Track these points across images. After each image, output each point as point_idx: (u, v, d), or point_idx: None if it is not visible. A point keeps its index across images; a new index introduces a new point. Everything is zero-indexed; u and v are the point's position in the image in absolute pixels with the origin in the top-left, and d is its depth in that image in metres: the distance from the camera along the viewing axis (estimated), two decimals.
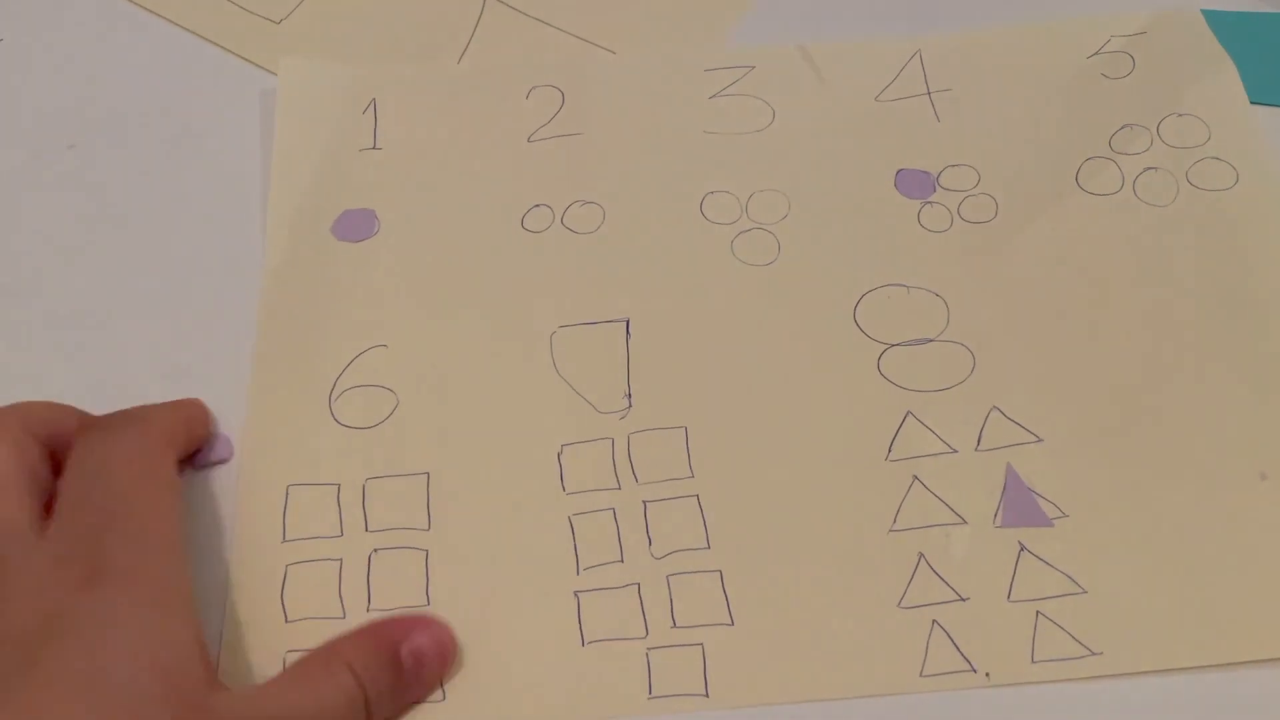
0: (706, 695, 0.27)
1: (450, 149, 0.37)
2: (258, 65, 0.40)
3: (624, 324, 0.33)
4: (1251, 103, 0.37)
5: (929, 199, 0.36)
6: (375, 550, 0.29)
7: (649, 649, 0.28)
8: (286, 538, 0.29)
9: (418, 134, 0.37)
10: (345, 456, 0.30)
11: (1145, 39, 0.39)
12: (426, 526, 0.29)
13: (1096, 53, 0.39)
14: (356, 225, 0.35)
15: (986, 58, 0.39)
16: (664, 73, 0.39)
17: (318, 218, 0.35)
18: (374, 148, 0.37)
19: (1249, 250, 0.34)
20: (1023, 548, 0.29)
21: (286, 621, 0.27)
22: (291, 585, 0.28)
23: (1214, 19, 0.39)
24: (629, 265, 0.34)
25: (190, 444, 0.30)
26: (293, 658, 0.27)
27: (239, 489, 0.29)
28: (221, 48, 0.40)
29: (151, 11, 0.41)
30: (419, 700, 0.27)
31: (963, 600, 0.28)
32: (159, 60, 0.40)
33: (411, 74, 0.39)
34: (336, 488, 0.30)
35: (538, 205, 0.35)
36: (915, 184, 0.36)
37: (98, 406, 0.29)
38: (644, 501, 0.30)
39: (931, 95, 0.38)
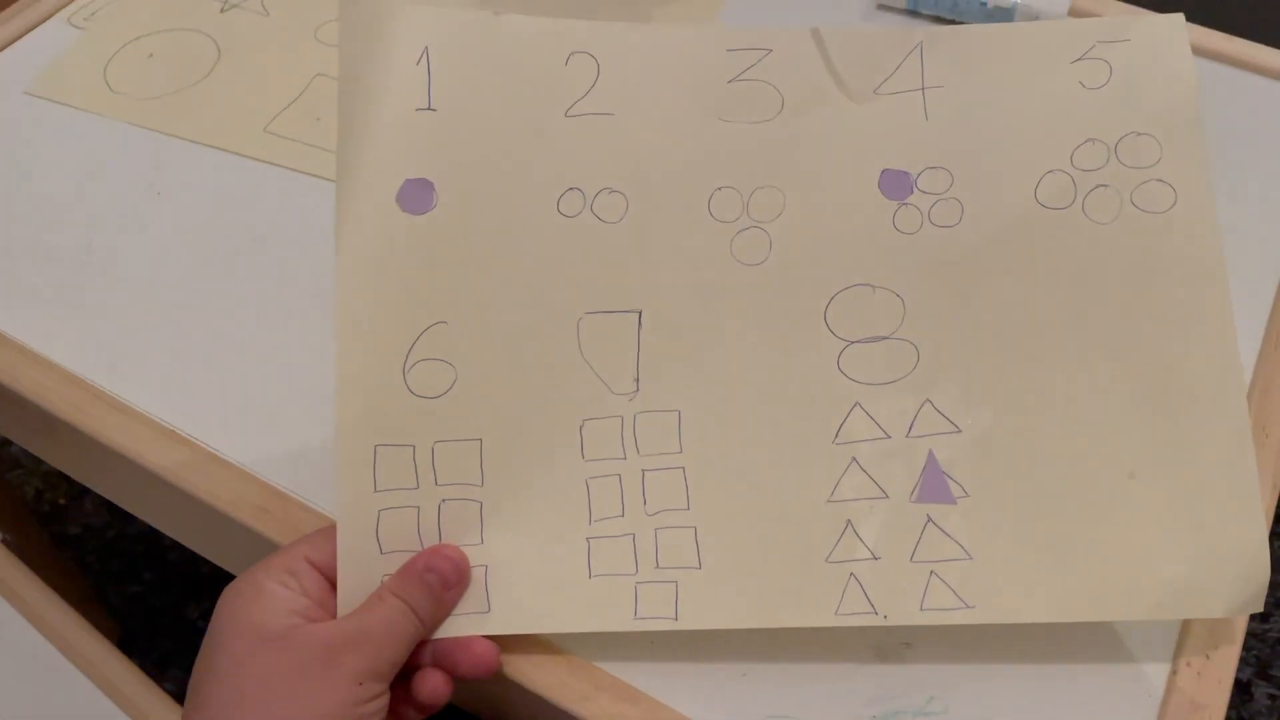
0: (675, 619, 0.38)
1: (496, 116, 0.41)
2: None
3: (637, 315, 0.41)
4: None
5: (905, 200, 0.42)
6: (444, 501, 0.39)
7: (637, 583, 0.38)
8: (377, 488, 0.39)
9: (466, 95, 0.41)
10: (417, 422, 0.39)
11: (1126, 47, 0.42)
12: (480, 483, 0.39)
13: (1080, 58, 0.42)
14: (418, 197, 0.40)
15: (981, 55, 0.43)
16: (692, 51, 0.43)
17: (383, 186, 0.39)
18: (429, 108, 0.41)
19: (1165, 273, 0.39)
20: (929, 520, 0.38)
21: (381, 553, 0.38)
22: (383, 525, 0.38)
23: None
24: (645, 260, 0.41)
25: None
26: (387, 578, 0.38)
27: (337, 449, 0.38)
28: None
29: None
30: (453, 602, 0.38)
31: (875, 559, 0.38)
32: None
33: (458, 23, 0.41)
34: (412, 449, 0.39)
35: (571, 189, 0.41)
36: (896, 185, 0.42)
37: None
38: (642, 470, 0.39)
39: (925, 91, 0.43)
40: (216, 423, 0.44)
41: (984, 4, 0.60)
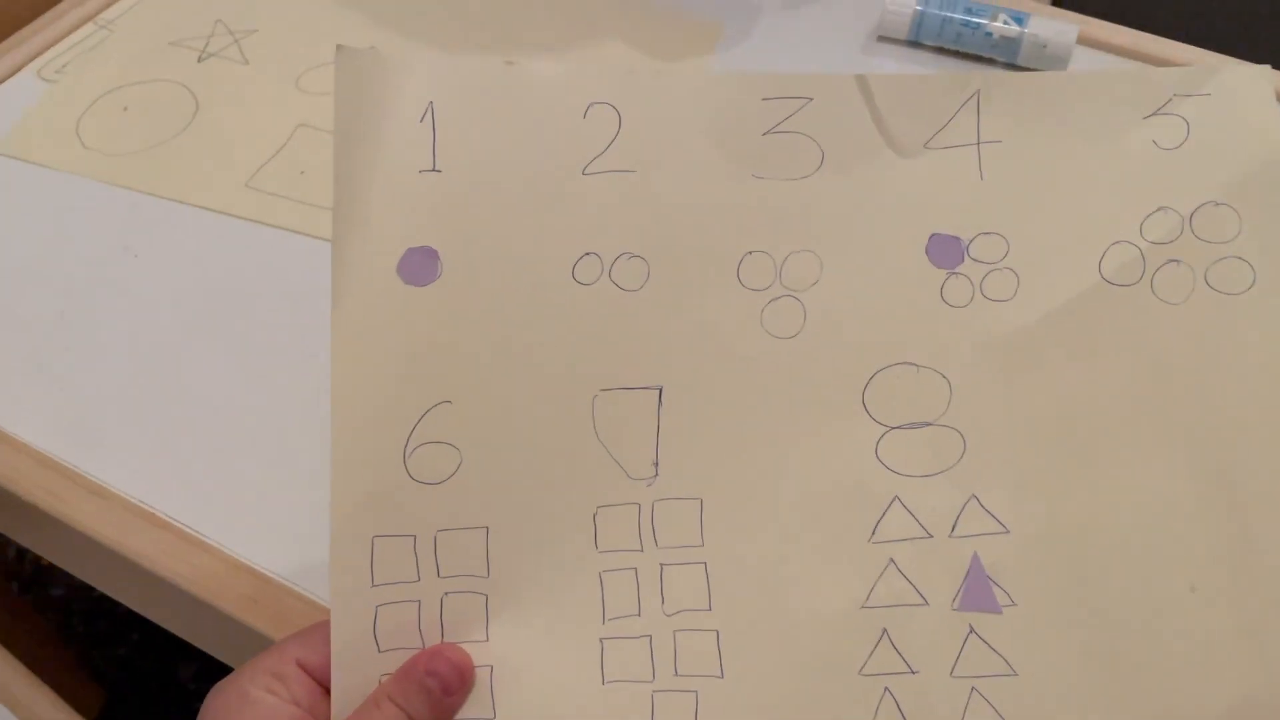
0: None
1: (507, 176, 0.38)
2: None
3: (657, 392, 0.38)
4: None
5: (956, 269, 0.38)
6: (446, 594, 0.36)
7: (654, 691, 0.35)
8: (375, 582, 0.36)
9: (474, 154, 0.38)
10: (419, 510, 0.36)
11: (1206, 102, 0.38)
12: (486, 574, 0.36)
13: (1155, 113, 0.38)
14: (421, 267, 0.37)
15: (1045, 106, 0.39)
16: (723, 100, 0.39)
17: (383, 256, 0.36)
18: (434, 169, 0.37)
19: (1239, 362, 0.36)
20: (972, 630, 0.35)
21: (379, 652, 0.36)
22: (381, 622, 0.36)
23: None
24: (667, 331, 0.38)
25: None
26: (385, 680, 0.35)
27: (332, 541, 0.36)
28: None
29: None
30: (454, 709, 0.35)
31: (913, 673, 0.35)
32: None
33: (466, 75, 0.38)
34: (413, 539, 0.36)
35: (588, 254, 0.38)
36: (946, 251, 0.38)
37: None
38: (660, 564, 0.36)
39: (980, 146, 0.39)
40: (201, 504, 0.42)
41: (989, 34, 0.56)
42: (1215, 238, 0.37)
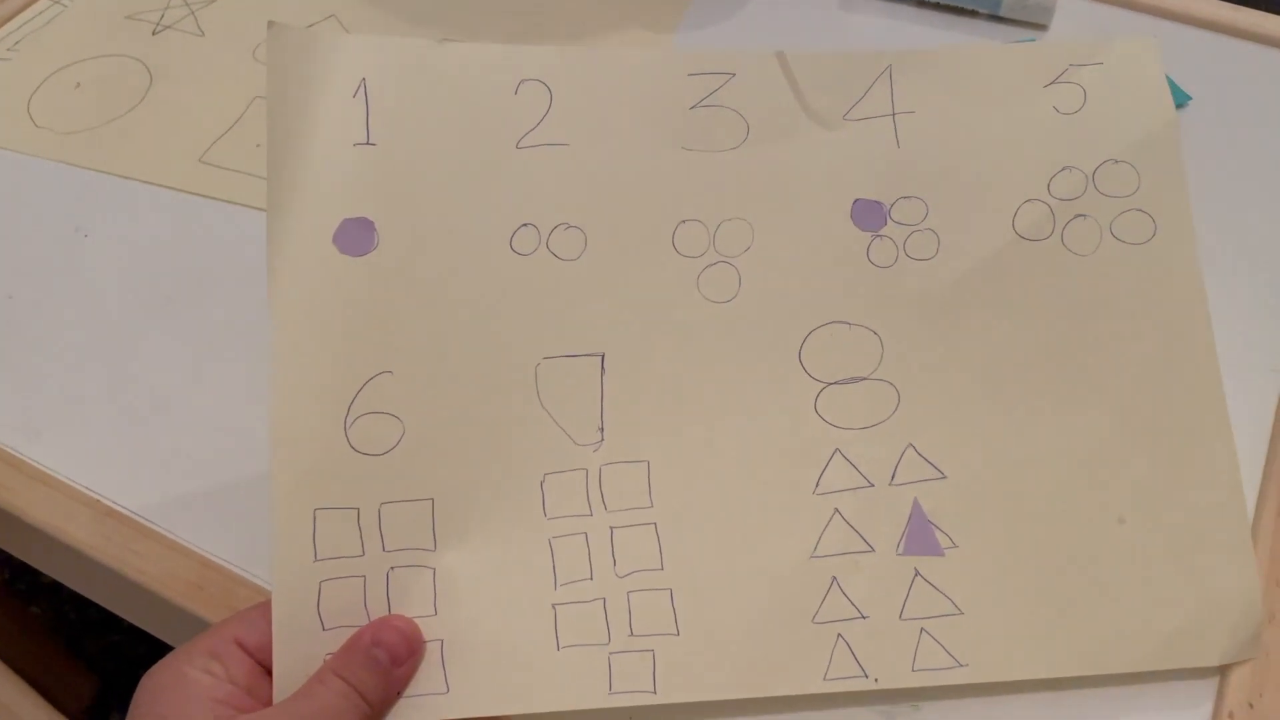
0: (654, 692, 0.35)
1: (441, 149, 0.38)
2: None
3: (599, 359, 0.38)
4: None
5: (879, 231, 0.40)
6: (392, 568, 0.35)
7: (611, 653, 0.35)
8: (318, 557, 0.35)
9: (409, 128, 0.38)
10: (362, 482, 0.36)
11: (1101, 71, 0.41)
12: (432, 547, 0.36)
13: (1053, 81, 0.41)
14: (357, 238, 0.37)
15: (952, 78, 0.41)
16: (650, 76, 0.40)
17: (318, 227, 0.36)
18: (367, 143, 0.38)
19: (1147, 307, 0.38)
20: (917, 574, 0.36)
21: (323, 629, 0.34)
22: (325, 598, 0.35)
23: None
24: (606, 299, 0.38)
25: None
26: (329, 658, 0.34)
27: (273, 515, 0.35)
28: None
29: None
30: (404, 680, 0.34)
31: (864, 618, 0.36)
32: None
33: (398, 52, 0.38)
34: (356, 512, 0.35)
35: (525, 225, 0.38)
36: (869, 215, 0.40)
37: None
38: (611, 527, 0.36)
39: (895, 117, 0.41)
40: (149, 490, 0.40)
41: None
42: (1117, 192, 0.39)
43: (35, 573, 0.42)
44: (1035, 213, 0.39)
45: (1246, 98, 0.55)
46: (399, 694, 0.34)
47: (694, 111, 0.40)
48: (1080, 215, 0.39)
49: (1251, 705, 0.36)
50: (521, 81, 0.39)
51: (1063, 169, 0.40)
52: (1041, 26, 0.59)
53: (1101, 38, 0.41)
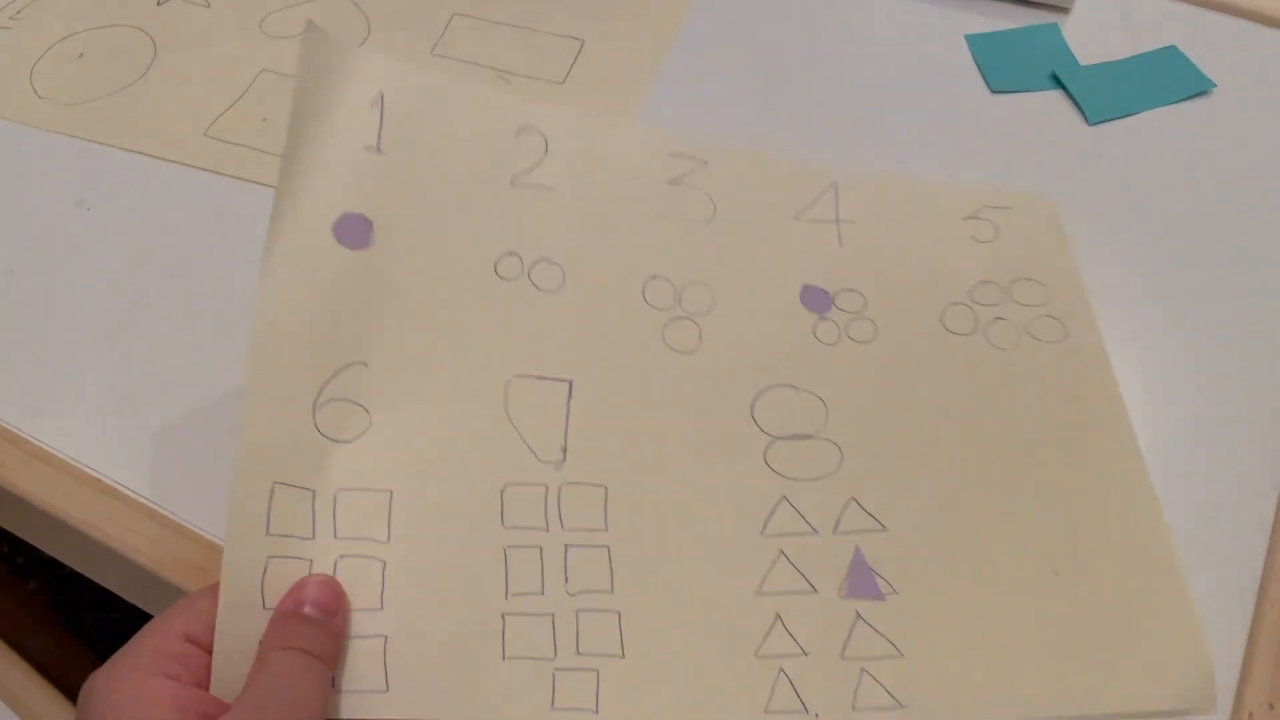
0: (596, 711, 0.34)
1: (443, 171, 0.40)
2: None
3: (568, 385, 0.39)
4: (992, 92, 0.53)
5: (825, 314, 0.43)
6: (341, 557, 0.34)
7: (555, 669, 0.34)
8: (270, 531, 0.33)
9: (416, 145, 0.40)
10: (321, 465, 0.35)
11: (1009, 213, 0.47)
12: (385, 540, 0.35)
13: (971, 216, 0.47)
14: (355, 231, 0.37)
15: (888, 200, 0.47)
16: (638, 148, 0.44)
17: (321, 214, 0.37)
18: (377, 150, 0.39)
19: (1066, 391, 0.42)
20: (858, 616, 0.37)
21: (264, 608, 0.32)
22: (270, 576, 0.33)
23: (974, 41, 0.55)
24: (579, 332, 0.40)
25: None
26: (264, 639, 0.32)
27: (235, 476, 0.33)
28: None
29: None
30: (342, 629, 0.33)
31: (805, 654, 0.36)
32: None
33: (417, 78, 0.41)
34: (312, 494, 0.34)
35: (511, 253, 0.40)
36: (816, 299, 0.44)
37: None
38: (565, 545, 0.36)
39: (839, 224, 0.46)
40: (152, 470, 0.38)
41: None
42: (1030, 301, 0.45)
43: (33, 548, 0.38)
44: (960, 313, 0.44)
45: (1271, 84, 0.54)
46: (342, 642, 0.33)
47: (671, 186, 0.44)
48: (1000, 318, 0.44)
49: (1272, 706, 0.36)
50: (522, 128, 0.42)
51: (981, 282, 0.45)
52: (1063, 9, 0.57)
53: (1008, 189, 0.48)
